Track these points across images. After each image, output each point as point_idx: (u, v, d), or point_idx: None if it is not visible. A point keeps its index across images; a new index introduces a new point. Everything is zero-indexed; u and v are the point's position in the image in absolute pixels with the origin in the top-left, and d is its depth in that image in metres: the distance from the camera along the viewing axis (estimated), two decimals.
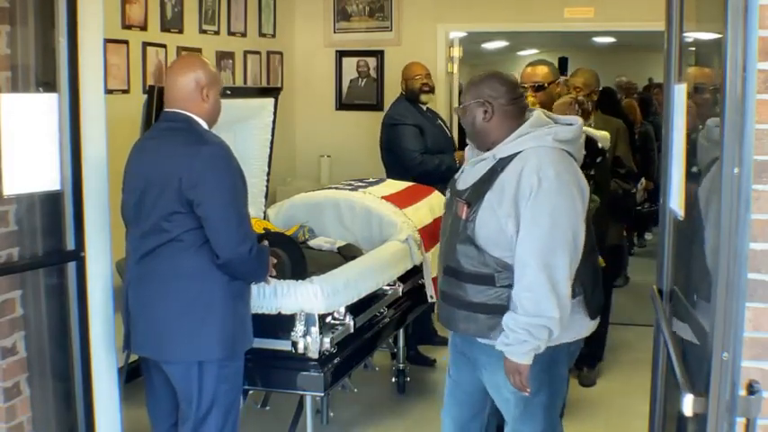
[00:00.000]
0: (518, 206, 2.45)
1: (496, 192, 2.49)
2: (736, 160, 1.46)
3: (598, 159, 3.40)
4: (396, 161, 4.92)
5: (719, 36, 1.53)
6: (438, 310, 2.80)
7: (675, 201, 2.09)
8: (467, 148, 2.86)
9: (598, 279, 2.76)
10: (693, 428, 1.75)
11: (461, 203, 2.56)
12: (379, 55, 6.55)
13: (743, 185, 1.46)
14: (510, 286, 2.49)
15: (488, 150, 2.61)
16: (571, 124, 2.67)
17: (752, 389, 1.51)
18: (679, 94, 2.15)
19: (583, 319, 2.67)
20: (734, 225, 1.47)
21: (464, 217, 2.53)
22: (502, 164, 2.53)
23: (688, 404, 1.56)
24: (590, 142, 3.27)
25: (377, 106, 6.43)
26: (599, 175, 3.66)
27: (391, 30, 6.50)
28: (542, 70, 3.87)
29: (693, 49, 2.31)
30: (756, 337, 1.59)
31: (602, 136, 3.47)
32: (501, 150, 2.55)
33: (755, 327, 1.59)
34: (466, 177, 2.65)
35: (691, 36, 2.27)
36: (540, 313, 2.43)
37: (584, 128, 3.26)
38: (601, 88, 5.89)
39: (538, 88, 3.80)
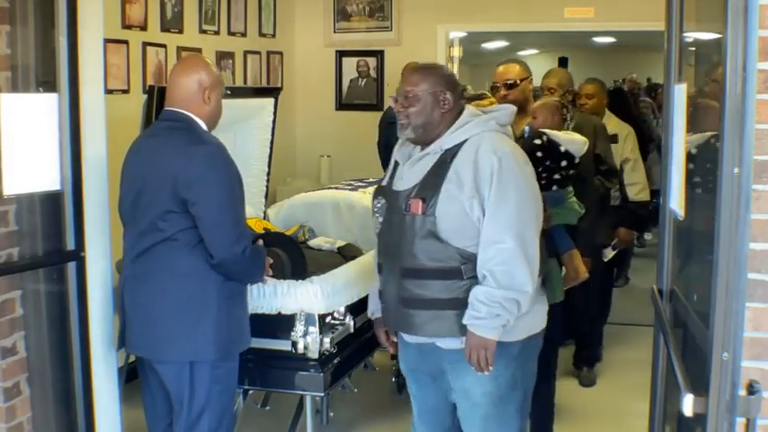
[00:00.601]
0: (480, 188, 2.42)
1: (453, 180, 2.44)
2: (736, 160, 1.46)
3: (563, 163, 3.27)
4: None
5: (719, 36, 1.53)
6: (392, 318, 2.63)
7: (675, 201, 2.09)
8: (396, 148, 2.72)
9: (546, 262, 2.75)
10: (693, 428, 1.75)
11: (414, 201, 2.47)
12: (379, 55, 6.55)
13: (743, 185, 1.46)
14: (475, 277, 2.44)
15: (427, 144, 2.55)
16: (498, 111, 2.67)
17: (752, 389, 1.51)
18: (679, 94, 2.15)
19: (544, 304, 2.70)
20: (734, 225, 1.47)
21: (420, 212, 2.45)
22: (449, 154, 2.49)
23: (688, 404, 1.56)
24: (551, 145, 3.24)
25: (377, 106, 6.43)
26: (582, 180, 3.54)
27: (391, 30, 6.50)
28: (514, 68, 3.75)
29: (693, 49, 2.32)
30: (756, 337, 1.59)
31: (572, 139, 3.33)
32: (446, 141, 2.52)
33: (755, 327, 1.59)
34: (407, 177, 2.56)
35: (691, 36, 2.28)
36: (515, 287, 2.41)
37: (549, 131, 3.26)
38: (612, 88, 5.90)
39: (510, 86, 3.69)
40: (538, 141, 3.22)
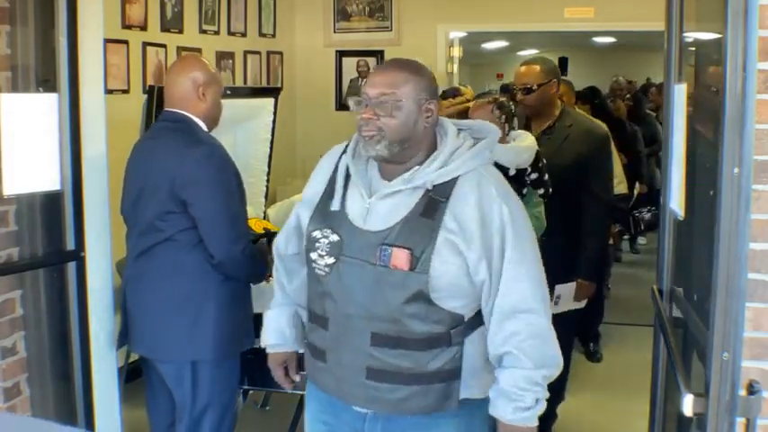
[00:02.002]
0: (489, 244, 1.93)
1: (454, 231, 1.92)
2: (736, 160, 1.46)
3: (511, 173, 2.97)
4: None
5: (719, 36, 1.53)
6: (346, 389, 2.04)
7: (675, 201, 2.09)
8: (348, 159, 2.09)
9: None
10: (693, 428, 1.75)
11: (398, 251, 1.91)
12: (379, 55, 6.55)
13: (743, 185, 1.46)
14: (462, 343, 1.99)
15: (397, 166, 2.00)
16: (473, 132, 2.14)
17: (752, 389, 1.51)
18: (679, 94, 2.15)
19: None
20: (734, 225, 1.47)
21: (407, 267, 1.90)
22: (441, 193, 1.95)
23: (688, 404, 1.56)
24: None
25: None
26: (594, 196, 3.37)
27: (391, 30, 6.50)
28: (533, 70, 3.44)
29: (693, 49, 2.32)
30: (756, 337, 1.59)
31: (510, 148, 3.03)
32: (438, 175, 1.96)
33: (755, 327, 1.59)
34: (379, 213, 1.98)
35: (691, 36, 2.28)
36: (550, 363, 1.97)
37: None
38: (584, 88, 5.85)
39: (527, 91, 3.40)
40: None
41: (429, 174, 1.96)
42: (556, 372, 1.98)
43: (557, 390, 3.71)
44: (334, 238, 1.99)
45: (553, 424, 3.74)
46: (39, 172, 2.62)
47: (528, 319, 1.94)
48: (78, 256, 2.76)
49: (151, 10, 4.86)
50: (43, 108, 2.62)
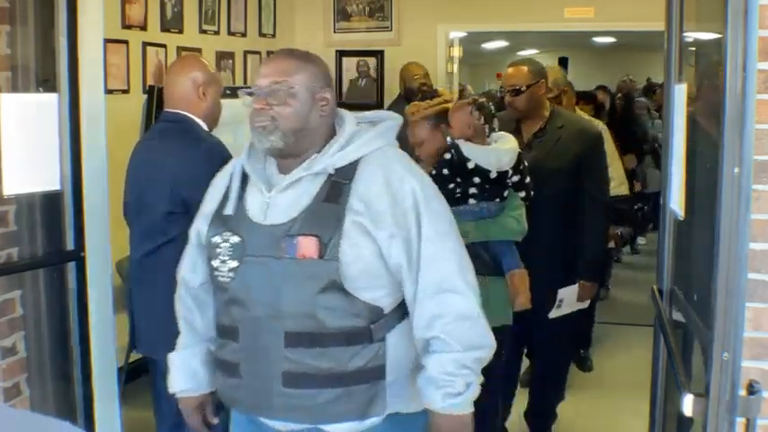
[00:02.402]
0: (402, 222, 1.83)
1: (361, 212, 1.82)
2: (736, 160, 1.46)
3: (475, 180, 2.91)
4: None
5: (719, 36, 1.53)
6: (261, 401, 1.90)
7: (675, 201, 2.09)
8: (242, 159, 2.00)
9: None
10: (693, 428, 1.75)
11: (304, 240, 1.80)
12: (379, 55, 6.55)
13: (743, 185, 1.46)
14: (384, 339, 1.86)
15: (294, 159, 1.91)
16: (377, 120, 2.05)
17: (752, 389, 1.51)
18: (679, 94, 2.15)
19: None
20: (734, 225, 1.47)
21: (316, 255, 1.79)
22: (343, 175, 1.86)
23: (688, 404, 1.56)
24: (460, 161, 2.90)
25: (377, 106, 6.42)
26: (592, 199, 3.30)
27: (391, 30, 6.50)
28: (521, 71, 3.36)
29: (693, 49, 2.32)
30: (756, 337, 1.59)
31: (492, 150, 2.96)
32: (337, 158, 1.87)
33: (755, 327, 1.59)
34: (279, 206, 1.88)
35: (691, 36, 2.28)
36: (481, 343, 1.86)
37: (464, 143, 2.93)
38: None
39: (516, 92, 3.34)
40: (447, 156, 2.92)
41: (329, 158, 1.87)
42: (487, 354, 1.87)
43: (557, 389, 3.74)
44: (235, 239, 1.88)
45: (553, 423, 3.75)
46: (39, 172, 2.62)
47: (452, 299, 1.83)
48: (78, 256, 2.76)
49: (151, 10, 4.86)
50: (43, 108, 2.62)
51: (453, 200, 2.88)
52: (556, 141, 3.35)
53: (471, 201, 2.95)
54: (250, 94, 1.91)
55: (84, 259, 2.78)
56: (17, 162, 2.53)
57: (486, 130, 3.00)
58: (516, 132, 3.26)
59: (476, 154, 2.91)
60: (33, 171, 2.61)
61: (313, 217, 1.83)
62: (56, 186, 2.67)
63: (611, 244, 4.68)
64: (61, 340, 2.83)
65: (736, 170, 1.46)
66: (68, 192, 2.71)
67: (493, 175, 2.94)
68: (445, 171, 2.90)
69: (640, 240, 7.72)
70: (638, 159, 6.51)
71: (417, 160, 3.15)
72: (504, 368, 3.34)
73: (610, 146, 4.61)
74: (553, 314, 3.36)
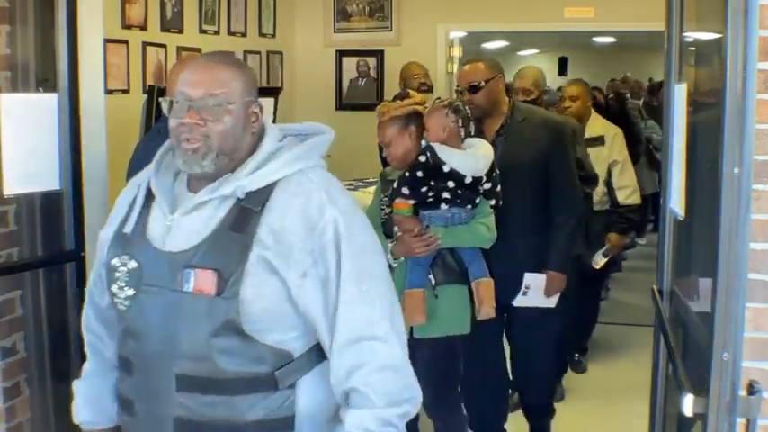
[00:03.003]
0: (320, 258, 1.59)
1: (269, 245, 1.58)
2: (736, 160, 1.46)
3: (450, 184, 2.85)
4: None
5: (719, 36, 1.53)
6: None
7: (675, 201, 2.09)
8: (151, 172, 1.74)
9: None
10: (693, 428, 1.75)
11: (202, 273, 1.57)
12: (379, 55, 6.55)
13: (743, 185, 1.46)
14: (294, 386, 1.63)
15: (208, 178, 1.64)
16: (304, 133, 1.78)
17: (752, 389, 1.51)
18: (679, 94, 2.15)
19: None
20: (734, 225, 1.47)
21: (214, 292, 1.56)
22: (256, 201, 1.61)
23: (688, 404, 1.56)
24: (435, 163, 2.83)
25: (377, 106, 6.43)
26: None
27: (391, 30, 6.50)
28: (478, 68, 3.28)
29: (693, 49, 2.32)
30: (756, 337, 1.59)
31: (468, 155, 2.90)
32: (250, 181, 1.62)
33: (755, 327, 1.59)
34: (182, 231, 1.64)
35: (691, 36, 2.28)
36: (409, 397, 1.63)
37: (439, 145, 2.86)
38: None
39: (474, 89, 3.24)
40: (422, 158, 2.86)
41: (240, 179, 1.62)
42: (413, 408, 1.65)
43: (543, 386, 3.62)
44: (133, 264, 1.65)
45: (551, 418, 3.70)
46: (39, 172, 2.62)
47: (374, 347, 1.59)
48: (78, 256, 2.76)
49: (151, 10, 4.87)
50: (43, 108, 2.62)
51: (425, 204, 2.91)
52: (520, 136, 3.28)
53: (443, 206, 2.91)
54: (176, 104, 1.63)
55: (85, 259, 2.77)
56: (17, 162, 2.53)
57: (462, 134, 2.94)
58: (479, 133, 3.20)
59: (452, 158, 2.85)
60: (33, 171, 2.61)
61: (216, 247, 1.59)
62: (56, 186, 2.67)
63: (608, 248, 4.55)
64: (61, 340, 2.82)
65: (736, 170, 1.46)
66: (68, 192, 2.70)
67: (468, 180, 2.88)
68: (419, 173, 2.85)
69: (640, 241, 7.68)
70: (633, 161, 6.37)
71: (385, 162, 3.15)
72: (484, 372, 3.38)
73: (623, 152, 4.56)
74: (518, 302, 3.29)
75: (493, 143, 3.18)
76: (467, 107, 3.01)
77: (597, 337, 5.14)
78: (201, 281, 1.57)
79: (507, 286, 3.19)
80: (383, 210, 3.07)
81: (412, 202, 2.90)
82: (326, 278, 1.59)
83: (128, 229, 1.70)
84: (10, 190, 2.55)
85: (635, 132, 6.65)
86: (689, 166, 2.00)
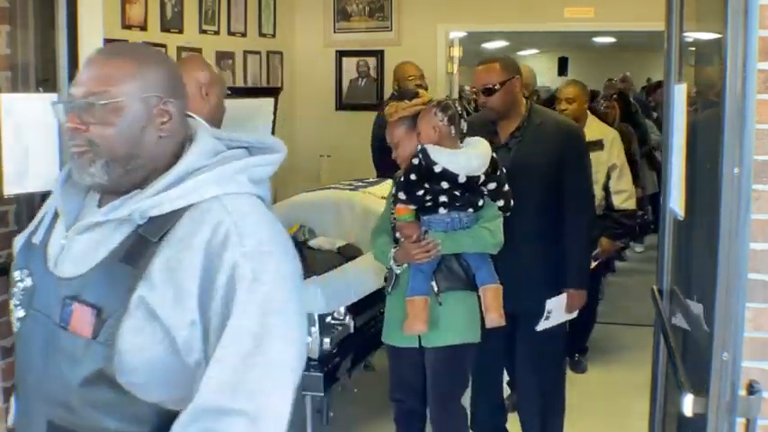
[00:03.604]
0: (209, 305, 1.32)
1: (157, 285, 1.31)
2: (736, 160, 1.46)
3: (443, 185, 2.76)
4: (389, 161, 4.89)
5: (719, 36, 1.53)
6: None
7: (675, 201, 2.09)
8: (58, 184, 1.51)
9: None
10: (693, 428, 1.75)
11: (80, 309, 1.33)
12: (379, 55, 6.55)
13: (743, 185, 1.46)
14: None
15: (115, 193, 1.40)
16: (265, 148, 1.50)
17: (752, 389, 1.51)
18: (679, 94, 2.15)
19: None
20: (734, 225, 1.47)
21: (89, 334, 1.31)
22: (157, 227, 1.35)
23: (688, 404, 1.56)
24: (427, 164, 2.74)
25: (377, 106, 6.43)
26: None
27: (391, 30, 6.50)
28: (493, 69, 3.13)
29: (693, 49, 2.32)
30: (756, 337, 1.59)
31: (464, 152, 2.80)
32: (153, 204, 1.36)
33: (755, 327, 1.59)
34: (73, 252, 1.40)
35: (691, 36, 2.28)
36: None
37: (431, 146, 2.77)
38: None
39: (489, 92, 3.09)
40: (414, 161, 2.77)
41: (141, 201, 1.36)
42: None
43: (552, 413, 3.45)
44: (28, 283, 1.44)
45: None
46: (39, 172, 2.62)
47: (218, 426, 1.28)
48: None
49: (151, 10, 4.87)
50: (43, 108, 2.62)
51: (423, 208, 2.82)
52: (535, 139, 3.15)
53: (441, 210, 2.81)
54: (68, 107, 1.39)
55: None
56: (17, 162, 2.53)
57: (453, 132, 2.81)
58: (493, 134, 3.13)
59: (442, 157, 2.75)
60: (33, 171, 2.61)
61: (101, 280, 1.34)
62: None
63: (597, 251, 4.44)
64: None
65: (736, 170, 1.46)
66: None
67: (461, 179, 2.77)
68: (413, 176, 2.77)
69: (637, 248, 7.53)
70: (633, 163, 6.10)
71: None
72: (485, 378, 3.29)
73: (621, 156, 4.46)
74: (541, 326, 3.18)
75: (506, 145, 3.12)
76: (457, 104, 2.92)
77: (597, 337, 5.14)
78: (78, 319, 1.32)
79: (512, 293, 3.00)
80: (393, 214, 2.98)
81: (412, 207, 2.82)
82: (208, 330, 1.32)
83: (36, 239, 1.49)
84: (10, 190, 2.55)
85: (642, 132, 6.58)
86: (689, 166, 2.00)
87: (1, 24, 2.60)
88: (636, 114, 6.94)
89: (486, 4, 6.29)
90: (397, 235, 2.90)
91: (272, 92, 4.30)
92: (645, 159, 6.64)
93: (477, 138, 2.90)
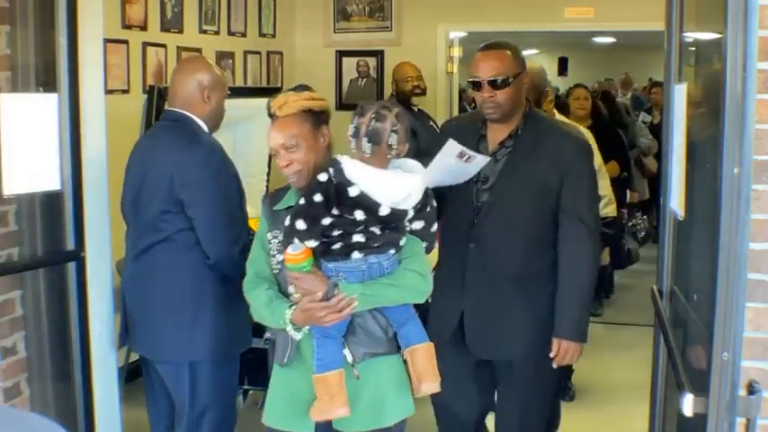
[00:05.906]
0: None
1: None
2: (736, 160, 1.46)
3: (358, 215, 2.08)
4: None
5: (719, 36, 1.53)
6: None
7: (675, 201, 2.09)
8: None
9: None
10: (693, 428, 1.75)
11: None
12: (379, 55, 6.55)
13: (743, 185, 1.46)
14: None
15: None
16: None
17: (752, 389, 1.51)
18: (679, 94, 2.15)
19: None
20: (734, 225, 1.47)
21: None
22: None
23: (688, 404, 1.56)
24: (339, 184, 2.08)
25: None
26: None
27: (391, 30, 6.50)
28: (504, 56, 2.52)
29: (693, 49, 2.32)
30: (756, 337, 1.59)
31: (388, 176, 2.13)
32: None
33: (755, 327, 1.59)
34: None
35: (691, 36, 2.28)
36: None
37: (348, 159, 2.15)
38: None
39: (498, 84, 2.50)
40: (322, 177, 2.11)
41: None
42: None
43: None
44: None
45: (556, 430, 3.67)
46: (39, 172, 2.62)
47: None
48: (78, 256, 2.76)
49: (151, 10, 4.86)
50: (43, 108, 2.62)
51: (329, 252, 2.12)
52: (531, 150, 2.60)
53: (356, 254, 2.13)
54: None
55: (84, 259, 2.77)
56: (17, 162, 2.53)
57: (387, 147, 2.17)
58: (481, 138, 2.64)
59: (363, 177, 2.10)
60: (33, 171, 2.61)
61: None
62: (56, 186, 2.67)
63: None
64: (61, 340, 2.83)
65: (736, 170, 1.46)
66: (68, 192, 2.70)
67: (384, 211, 2.10)
68: (317, 197, 2.08)
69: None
70: (621, 168, 5.45)
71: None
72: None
73: (597, 158, 3.63)
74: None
75: (494, 155, 2.59)
76: (396, 112, 2.26)
77: (597, 338, 5.14)
78: None
79: (491, 340, 2.59)
80: (273, 257, 2.24)
81: (311, 244, 2.10)
82: None
83: None
84: (10, 190, 2.55)
85: (629, 135, 6.39)
86: (689, 166, 2.00)
87: (1, 24, 2.60)
88: (620, 114, 6.81)
89: (486, 4, 6.29)
90: (291, 289, 2.18)
91: (272, 92, 4.29)
92: (636, 165, 6.46)
93: (409, 160, 2.23)
